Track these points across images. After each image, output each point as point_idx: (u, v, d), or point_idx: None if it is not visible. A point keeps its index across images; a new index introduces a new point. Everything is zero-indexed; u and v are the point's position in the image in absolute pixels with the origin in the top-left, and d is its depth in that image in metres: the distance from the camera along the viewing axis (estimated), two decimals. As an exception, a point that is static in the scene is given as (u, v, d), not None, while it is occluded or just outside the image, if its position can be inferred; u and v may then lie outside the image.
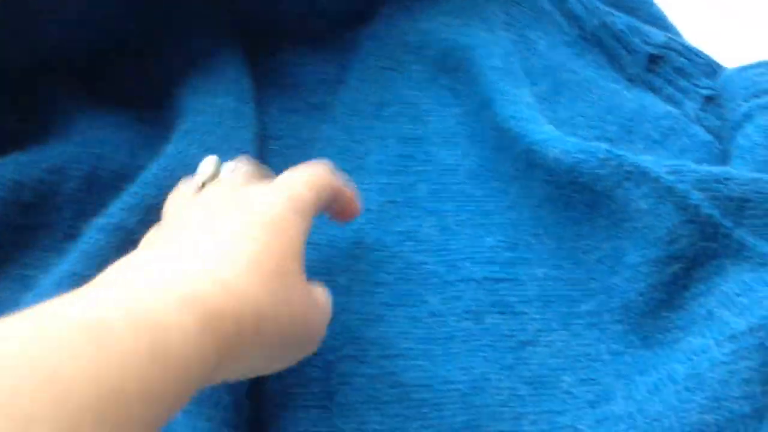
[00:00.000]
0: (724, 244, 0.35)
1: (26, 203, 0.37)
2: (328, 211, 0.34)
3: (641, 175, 0.36)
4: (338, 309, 0.34)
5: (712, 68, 0.44)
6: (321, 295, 0.30)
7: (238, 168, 0.31)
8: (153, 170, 0.37)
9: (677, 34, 0.47)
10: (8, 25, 0.39)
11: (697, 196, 0.35)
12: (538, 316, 0.36)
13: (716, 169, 0.35)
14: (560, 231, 0.38)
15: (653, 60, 0.45)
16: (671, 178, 0.35)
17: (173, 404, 0.20)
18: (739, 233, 0.35)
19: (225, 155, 0.34)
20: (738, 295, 0.34)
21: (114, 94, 0.42)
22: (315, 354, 0.31)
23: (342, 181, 0.33)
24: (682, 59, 0.44)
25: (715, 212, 0.35)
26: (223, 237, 0.25)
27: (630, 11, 0.47)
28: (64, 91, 0.42)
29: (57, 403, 0.17)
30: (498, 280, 0.37)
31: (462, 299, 0.36)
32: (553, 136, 0.38)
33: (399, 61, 0.45)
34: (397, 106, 0.43)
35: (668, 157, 0.41)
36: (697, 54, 0.44)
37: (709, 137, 0.42)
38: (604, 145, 0.37)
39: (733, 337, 0.32)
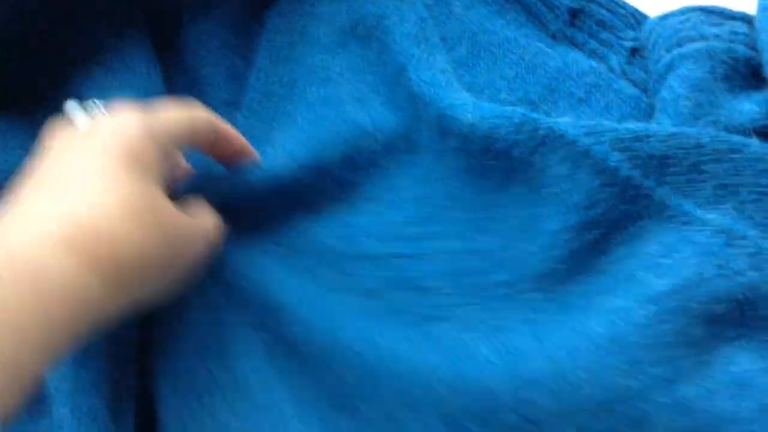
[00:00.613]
0: (646, 205, 0.34)
1: None
2: (213, 152, 0.34)
3: (557, 139, 0.34)
4: (237, 277, 0.34)
5: (636, 19, 0.43)
6: (199, 218, 0.31)
7: (102, 108, 0.31)
8: None
9: None
10: None
11: (615, 158, 0.34)
12: (448, 291, 0.35)
13: (636, 127, 0.34)
14: (474, 201, 0.37)
15: (574, 14, 0.43)
16: (588, 140, 0.34)
17: (63, 335, 0.24)
18: (661, 192, 0.34)
19: None
20: (661, 256, 0.33)
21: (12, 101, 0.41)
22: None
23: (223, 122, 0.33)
24: (603, 11, 0.43)
25: (635, 173, 0.34)
26: (83, 177, 0.26)
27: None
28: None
29: None
30: (400, 256, 0.36)
31: (358, 276, 0.36)
32: (467, 102, 0.37)
33: (308, 33, 0.43)
34: (308, 80, 0.42)
35: (592, 116, 0.41)
36: (620, 5, 0.43)
37: (635, 91, 0.41)
38: (520, 110, 0.36)
39: (654, 299, 0.32)
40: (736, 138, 0.34)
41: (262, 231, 0.36)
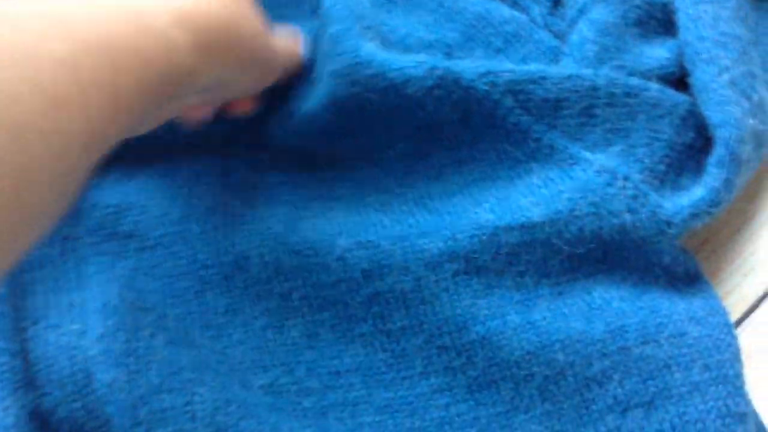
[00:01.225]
0: (534, 148, 0.34)
1: None
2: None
3: (453, 84, 0.34)
4: (88, 204, 0.33)
5: None
6: (285, 34, 0.32)
7: None
8: None
9: None
10: None
11: (508, 102, 0.33)
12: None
13: (534, 69, 0.34)
14: (352, 131, 0.36)
15: None
16: (482, 84, 0.33)
17: (153, 82, 0.23)
18: (550, 137, 0.33)
19: None
20: (539, 187, 0.33)
21: None
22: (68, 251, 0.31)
23: None
24: None
25: (526, 118, 0.33)
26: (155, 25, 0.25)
27: None
28: None
29: (65, 40, 0.20)
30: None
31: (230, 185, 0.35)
32: (370, 51, 0.35)
33: None
34: None
35: None
36: None
37: (555, 42, 0.40)
38: (423, 56, 0.35)
39: (523, 227, 0.32)
40: (635, 81, 0.34)
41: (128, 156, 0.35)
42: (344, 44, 0.35)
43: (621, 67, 0.35)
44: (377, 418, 0.30)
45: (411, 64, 0.34)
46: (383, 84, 0.34)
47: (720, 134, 0.32)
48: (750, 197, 0.37)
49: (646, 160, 0.33)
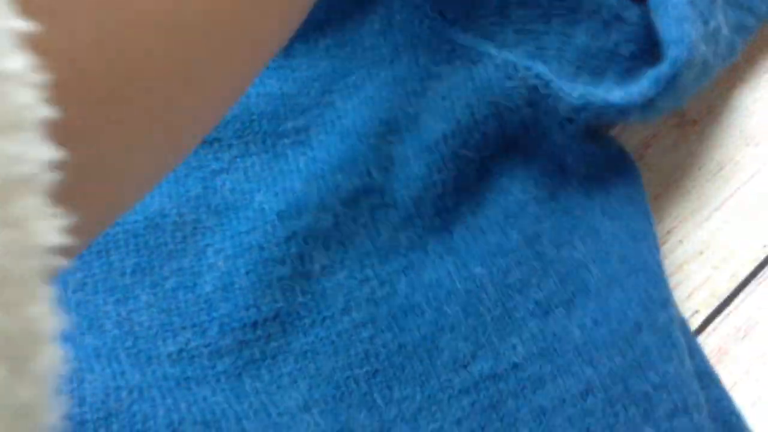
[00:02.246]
0: (446, 52, 0.32)
1: None
2: None
3: None
4: None
5: None
6: None
7: None
8: None
9: None
10: None
11: (425, 9, 0.33)
12: (235, 141, 0.33)
13: None
14: None
15: None
16: None
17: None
18: (463, 38, 0.32)
19: None
20: (443, 98, 0.32)
21: None
22: None
23: None
24: None
25: (441, 21, 0.32)
26: None
27: None
28: None
29: None
30: None
31: None
32: None
33: None
34: None
35: None
36: None
37: None
38: None
39: (430, 147, 0.31)
40: None
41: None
42: None
43: None
44: (297, 366, 0.28)
45: None
46: None
47: (671, 52, 0.29)
48: (722, 181, 0.34)
49: (554, 62, 0.31)
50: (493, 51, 0.31)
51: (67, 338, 0.26)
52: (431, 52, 0.32)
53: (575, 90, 0.30)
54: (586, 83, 0.31)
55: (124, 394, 0.25)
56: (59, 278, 0.29)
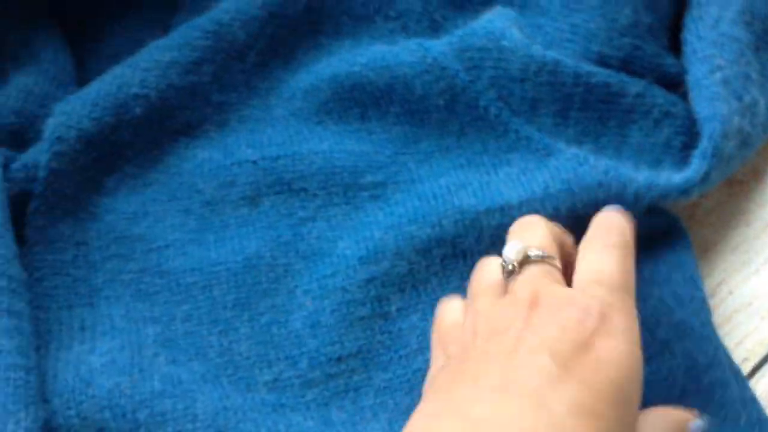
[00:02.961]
0: (513, 140, 0.35)
1: None
2: None
3: (440, 71, 0.36)
4: (103, 211, 0.34)
5: None
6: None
7: (545, 257, 0.28)
8: None
9: None
10: None
11: (491, 95, 0.35)
12: (319, 192, 0.36)
13: (517, 64, 0.35)
14: (345, 113, 0.38)
15: None
16: (467, 76, 0.35)
17: None
18: (529, 130, 0.35)
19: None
20: (518, 174, 0.34)
21: None
22: (78, 258, 0.33)
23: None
24: None
25: (506, 111, 0.35)
26: (552, 411, 0.22)
27: None
28: None
29: None
30: (276, 158, 0.36)
31: (237, 184, 0.36)
32: None
33: None
34: None
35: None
36: None
37: None
38: (415, 41, 0.37)
39: (503, 209, 0.33)
40: (615, 86, 0.35)
41: (140, 160, 0.36)
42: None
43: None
44: (378, 400, 0.31)
45: (405, 47, 0.36)
46: (380, 65, 0.36)
47: (706, 129, 0.33)
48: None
49: (613, 160, 0.34)
50: (562, 146, 0.34)
51: (177, 362, 0.30)
52: (498, 138, 0.35)
53: (641, 175, 0.33)
54: (648, 171, 0.34)
55: (230, 414, 0.29)
56: (168, 310, 0.32)
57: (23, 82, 0.37)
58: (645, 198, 0.33)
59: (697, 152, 0.33)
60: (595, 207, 0.32)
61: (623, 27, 0.35)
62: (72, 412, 0.28)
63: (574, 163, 0.33)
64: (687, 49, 0.36)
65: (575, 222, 0.32)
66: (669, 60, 0.36)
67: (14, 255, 0.31)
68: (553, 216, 0.33)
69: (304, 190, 0.35)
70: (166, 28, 0.42)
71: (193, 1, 0.42)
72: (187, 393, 0.29)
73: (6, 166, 0.33)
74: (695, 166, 0.33)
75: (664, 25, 0.37)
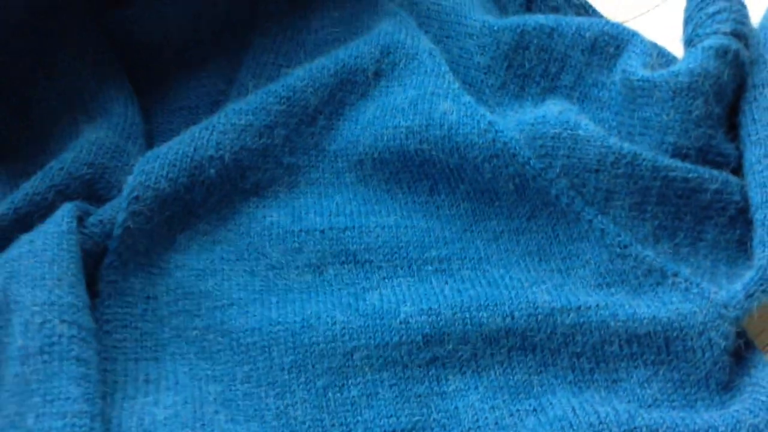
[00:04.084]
0: (585, 229, 0.36)
1: None
2: None
3: (510, 158, 0.36)
4: (173, 267, 0.36)
5: (585, 10, 0.44)
6: None
7: None
8: (1, 208, 0.36)
9: None
10: None
11: (562, 183, 0.36)
12: (384, 264, 0.36)
13: (592, 154, 0.35)
14: (414, 185, 0.39)
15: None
16: (538, 164, 0.36)
17: None
18: (602, 221, 0.35)
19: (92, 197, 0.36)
20: (594, 274, 0.35)
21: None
22: (147, 312, 0.34)
23: None
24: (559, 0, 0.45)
25: (579, 200, 0.35)
26: None
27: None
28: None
29: None
30: (344, 229, 0.37)
31: (303, 251, 0.37)
32: (444, 110, 0.38)
33: (296, 59, 0.44)
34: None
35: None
36: None
37: None
38: (489, 116, 0.37)
39: (579, 309, 0.34)
40: (693, 181, 0.35)
41: (211, 219, 0.38)
42: (422, 104, 0.38)
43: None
44: None
45: (476, 130, 0.36)
46: (449, 145, 0.37)
47: (758, 216, 0.33)
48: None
49: (691, 259, 0.35)
50: (638, 248, 0.34)
51: (236, 422, 0.31)
52: (569, 226, 0.36)
53: (726, 285, 0.33)
54: (726, 273, 0.34)
55: None
56: (229, 370, 0.33)
57: (95, 135, 0.39)
58: (732, 305, 0.33)
59: (755, 241, 0.33)
60: (682, 317, 0.33)
61: (697, 118, 0.35)
62: None
63: (653, 281, 0.34)
64: (742, 132, 0.36)
65: (658, 330, 0.33)
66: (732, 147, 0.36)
67: (86, 306, 0.32)
68: (633, 317, 0.33)
69: (369, 261, 0.36)
70: (229, 82, 0.45)
71: (255, 58, 0.44)
72: None
73: (80, 219, 0.35)
74: (759, 256, 0.33)
75: (727, 112, 0.37)
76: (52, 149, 0.39)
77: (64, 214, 0.33)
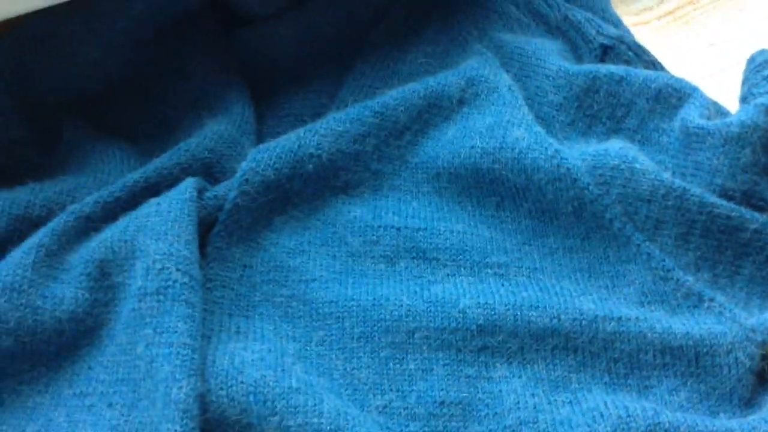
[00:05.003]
0: (634, 253, 0.40)
1: (35, 219, 0.41)
2: None
3: (571, 182, 0.41)
4: (268, 244, 0.41)
5: (654, 66, 0.49)
6: None
7: None
8: (133, 177, 0.41)
9: (628, 32, 0.53)
10: (40, 65, 0.47)
11: (616, 210, 0.40)
12: (449, 263, 0.41)
13: (646, 185, 0.40)
14: (483, 199, 0.43)
15: (606, 51, 0.50)
16: (597, 190, 0.40)
17: None
18: (650, 247, 0.39)
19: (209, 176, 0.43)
20: (637, 293, 0.39)
21: (122, 131, 0.48)
22: (243, 277, 0.39)
23: None
24: (630, 53, 0.49)
25: (629, 227, 0.40)
26: None
27: (589, 11, 0.53)
28: (78, 127, 0.47)
29: None
30: (417, 229, 0.42)
31: (380, 244, 0.42)
32: (517, 136, 0.43)
33: (390, 84, 0.50)
34: None
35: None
36: (644, 51, 0.49)
37: None
38: (556, 144, 0.42)
39: (620, 319, 0.38)
40: (736, 219, 0.39)
41: (304, 207, 0.43)
42: (497, 130, 0.43)
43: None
44: None
45: (543, 156, 0.41)
46: (518, 167, 0.42)
47: None
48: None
49: (728, 289, 0.38)
50: (679, 273, 0.38)
51: (308, 374, 0.35)
52: (620, 249, 0.40)
53: (758, 314, 0.37)
54: (760, 305, 0.38)
55: (349, 418, 0.34)
56: (307, 333, 0.38)
57: (216, 128, 0.45)
58: (761, 330, 0.36)
59: None
60: (713, 336, 0.36)
61: (744, 165, 0.39)
62: (223, 393, 0.34)
63: (690, 304, 0.38)
64: None
65: (690, 345, 0.37)
66: None
67: (197, 261, 0.37)
68: (668, 330, 0.37)
69: (437, 259, 0.41)
70: (331, 98, 0.51)
71: (355, 80, 0.51)
72: (316, 394, 0.34)
73: (200, 192, 0.41)
74: None
75: None
76: (178, 137, 0.46)
77: (187, 186, 0.40)
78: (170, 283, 0.35)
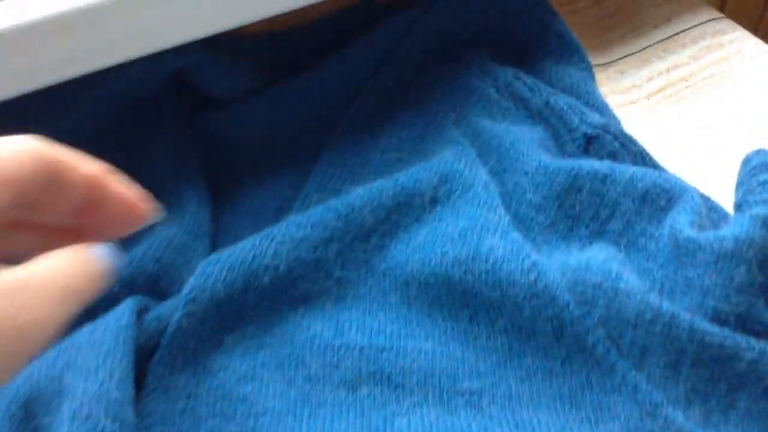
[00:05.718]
0: (618, 383, 0.36)
1: None
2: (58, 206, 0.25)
3: (550, 300, 0.37)
4: (217, 367, 0.38)
5: (642, 158, 0.45)
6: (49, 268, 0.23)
7: None
8: None
9: (617, 121, 0.49)
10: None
11: (600, 333, 0.36)
12: (416, 389, 0.37)
13: (631, 308, 0.36)
14: (455, 312, 0.40)
15: (590, 141, 0.46)
16: (578, 311, 0.36)
17: None
18: (636, 378, 0.35)
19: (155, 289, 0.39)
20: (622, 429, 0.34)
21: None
22: (186, 410, 0.35)
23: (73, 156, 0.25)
24: (616, 144, 0.45)
25: (614, 352, 0.36)
26: None
27: (573, 94, 0.50)
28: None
29: None
30: (382, 349, 0.38)
31: (340, 367, 0.38)
32: (491, 245, 0.40)
33: (359, 175, 0.47)
34: None
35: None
36: (631, 141, 0.46)
37: None
38: (534, 255, 0.38)
39: None
40: (730, 349, 0.35)
41: (259, 323, 0.40)
42: (471, 236, 0.39)
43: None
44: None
45: (519, 268, 0.37)
46: (492, 280, 0.38)
47: None
48: None
49: (721, 427, 0.34)
50: (669, 410, 0.34)
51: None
52: (603, 376, 0.35)
53: None
54: None
55: None
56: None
57: (166, 233, 0.42)
58: None
59: None
60: None
61: (739, 285, 0.35)
62: None
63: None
64: None
65: None
66: None
67: (130, 401, 0.34)
68: None
69: (402, 385, 0.37)
70: (296, 189, 0.48)
71: (322, 170, 0.47)
72: None
73: (140, 314, 0.37)
74: None
75: None
76: (125, 240, 0.42)
77: (125, 310, 0.36)
78: (98, 431, 0.32)
